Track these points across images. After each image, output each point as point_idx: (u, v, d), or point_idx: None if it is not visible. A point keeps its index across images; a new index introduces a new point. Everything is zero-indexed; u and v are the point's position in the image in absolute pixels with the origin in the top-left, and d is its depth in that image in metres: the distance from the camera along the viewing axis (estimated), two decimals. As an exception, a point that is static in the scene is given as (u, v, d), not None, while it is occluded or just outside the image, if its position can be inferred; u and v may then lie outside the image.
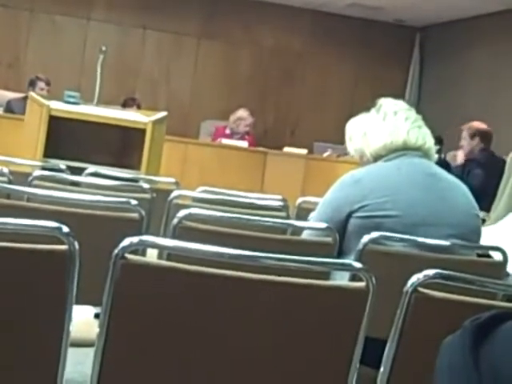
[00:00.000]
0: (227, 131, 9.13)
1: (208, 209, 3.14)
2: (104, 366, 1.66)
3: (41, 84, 8.59)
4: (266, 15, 11.30)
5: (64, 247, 1.64)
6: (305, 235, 2.87)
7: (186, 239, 1.76)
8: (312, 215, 2.99)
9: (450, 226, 2.71)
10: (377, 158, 2.84)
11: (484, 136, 7.03)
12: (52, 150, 5.61)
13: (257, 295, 1.70)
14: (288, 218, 3.66)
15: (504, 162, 7.14)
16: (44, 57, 10.66)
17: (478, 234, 2.83)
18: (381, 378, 1.92)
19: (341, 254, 2.75)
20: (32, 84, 8.64)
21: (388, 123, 2.84)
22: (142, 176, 5.21)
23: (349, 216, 2.72)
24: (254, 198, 4.03)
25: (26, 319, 1.67)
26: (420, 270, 1.88)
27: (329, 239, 2.71)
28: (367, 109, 2.94)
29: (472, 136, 6.99)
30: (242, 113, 9.17)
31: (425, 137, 2.86)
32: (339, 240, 2.74)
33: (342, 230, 2.74)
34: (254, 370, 1.74)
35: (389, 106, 2.90)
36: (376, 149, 2.83)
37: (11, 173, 3.65)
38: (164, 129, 6.22)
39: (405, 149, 2.81)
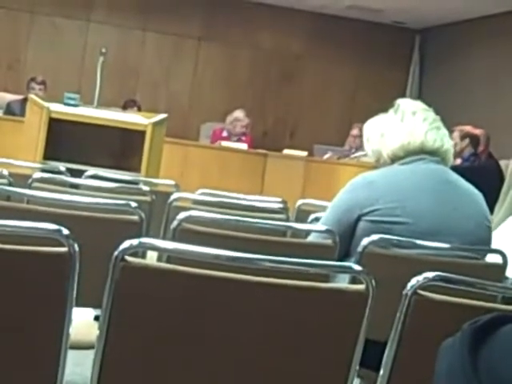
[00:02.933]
0: (224, 133, 9.12)
1: (208, 211, 3.14)
2: (104, 368, 1.66)
3: (32, 84, 8.60)
4: (266, 17, 11.30)
5: (64, 249, 1.64)
6: (311, 238, 2.85)
7: (186, 241, 1.76)
8: (315, 215, 2.98)
9: (458, 237, 2.68)
10: (394, 159, 2.80)
11: (472, 139, 7.21)
12: (52, 152, 5.61)
13: (256, 297, 1.70)
14: (288, 220, 3.66)
15: (498, 164, 7.24)
16: (44, 59, 10.66)
17: (488, 245, 2.80)
18: (380, 380, 1.92)
19: (347, 256, 2.73)
20: (27, 86, 8.67)
21: (406, 124, 2.80)
22: (142, 178, 5.22)
23: (358, 219, 2.70)
24: (253, 200, 4.03)
25: (26, 321, 1.67)
26: (420, 273, 1.88)
27: (329, 241, 2.70)
28: (377, 111, 2.91)
29: (462, 138, 7.20)
30: (238, 114, 9.16)
31: (443, 138, 2.82)
32: (347, 242, 2.72)
33: (350, 232, 2.72)
34: (254, 372, 1.74)
35: (407, 106, 2.86)
36: (393, 149, 2.79)
37: (11, 175, 3.65)
38: (164, 131, 6.22)
39: (422, 151, 2.77)
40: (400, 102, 2.89)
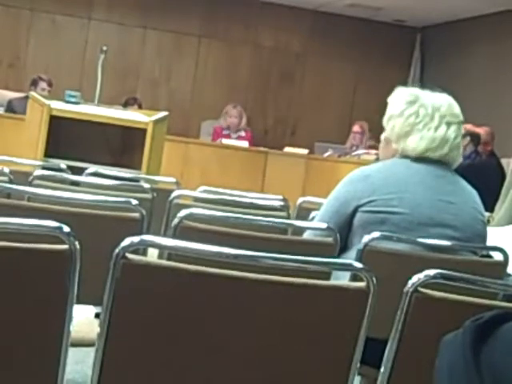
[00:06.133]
0: (224, 132, 9.14)
1: (209, 208, 3.14)
2: (104, 366, 1.65)
3: (43, 84, 8.59)
4: (267, 15, 11.30)
5: (65, 247, 1.64)
6: (306, 235, 2.87)
7: (187, 239, 1.76)
8: (316, 213, 2.99)
9: (454, 229, 2.71)
10: (402, 156, 2.81)
11: (473, 137, 7.25)
12: (53, 149, 5.61)
13: (257, 295, 1.70)
14: (288, 217, 3.66)
15: (499, 162, 7.26)
16: (45, 56, 10.66)
17: (483, 240, 2.81)
18: (381, 377, 1.92)
19: (345, 249, 2.75)
20: (34, 84, 8.64)
21: (435, 135, 2.74)
22: (143, 176, 5.21)
23: (355, 210, 2.72)
24: (254, 197, 4.03)
25: (27, 319, 1.67)
26: (421, 270, 1.88)
27: (329, 239, 2.71)
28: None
29: (463, 136, 7.28)
30: (228, 106, 9.26)
31: (453, 149, 2.79)
32: (344, 235, 2.74)
33: (347, 225, 2.74)
34: (254, 370, 1.74)
35: (442, 110, 2.77)
36: (409, 150, 2.75)
37: (12, 172, 3.66)
38: (165, 128, 6.22)
39: (431, 154, 2.77)
40: (425, 99, 2.79)
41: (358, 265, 1.82)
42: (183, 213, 2.60)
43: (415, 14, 10.89)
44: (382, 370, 1.92)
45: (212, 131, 9.43)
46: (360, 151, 8.79)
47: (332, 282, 2.18)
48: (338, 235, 2.70)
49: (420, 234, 2.65)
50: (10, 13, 10.66)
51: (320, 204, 3.09)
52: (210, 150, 8.52)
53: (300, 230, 2.97)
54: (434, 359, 1.08)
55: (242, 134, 9.15)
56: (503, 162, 7.44)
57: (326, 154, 9.01)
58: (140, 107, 8.91)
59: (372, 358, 2.08)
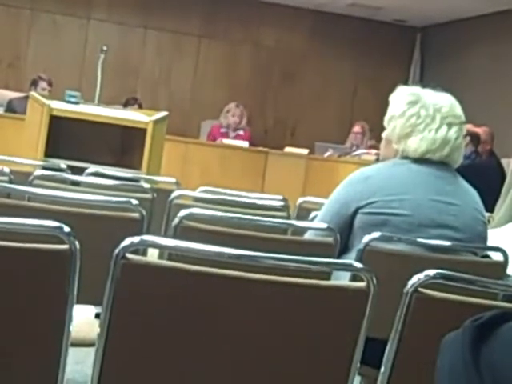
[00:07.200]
0: (222, 130, 9.11)
1: (209, 209, 3.14)
2: (105, 366, 1.65)
3: (43, 84, 8.58)
4: (267, 15, 11.30)
5: (65, 247, 1.64)
6: (307, 235, 2.87)
7: (187, 239, 1.76)
8: (316, 213, 2.99)
9: (455, 230, 2.70)
10: (403, 156, 2.81)
11: (473, 137, 7.24)
12: (53, 149, 5.61)
13: (257, 295, 1.70)
14: (289, 218, 3.66)
15: (499, 162, 7.25)
16: (45, 56, 10.66)
17: (484, 240, 2.81)
18: (381, 378, 1.92)
19: (346, 250, 2.75)
20: (34, 84, 8.63)
21: (436, 136, 2.75)
22: (143, 176, 5.21)
23: (356, 212, 2.71)
24: (254, 197, 4.03)
25: (27, 319, 1.67)
26: (421, 271, 1.88)
27: (330, 239, 2.71)
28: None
29: (463, 136, 7.28)
30: (230, 105, 9.22)
31: (455, 151, 2.80)
32: (344, 237, 2.73)
33: (347, 226, 2.74)
34: (254, 370, 1.74)
35: (444, 111, 2.77)
36: (410, 151, 2.76)
37: (12, 172, 3.65)
38: (165, 128, 6.22)
39: (431, 156, 2.77)
40: (426, 100, 2.78)
41: (358, 265, 1.82)
42: (183, 213, 2.60)
43: (415, 14, 10.89)
44: (382, 370, 1.92)
45: (210, 129, 9.39)
46: (360, 151, 8.79)
47: (332, 282, 2.18)
48: (338, 235, 2.70)
49: (421, 235, 2.64)
50: (11, 12, 10.67)
51: (320, 204, 3.10)
52: (209, 150, 8.52)
53: (300, 230, 2.97)
54: (434, 359, 1.08)
55: (241, 132, 9.13)
56: (503, 162, 7.44)
57: (327, 154, 9.00)
58: (140, 107, 8.91)
59: (372, 358, 2.08)
